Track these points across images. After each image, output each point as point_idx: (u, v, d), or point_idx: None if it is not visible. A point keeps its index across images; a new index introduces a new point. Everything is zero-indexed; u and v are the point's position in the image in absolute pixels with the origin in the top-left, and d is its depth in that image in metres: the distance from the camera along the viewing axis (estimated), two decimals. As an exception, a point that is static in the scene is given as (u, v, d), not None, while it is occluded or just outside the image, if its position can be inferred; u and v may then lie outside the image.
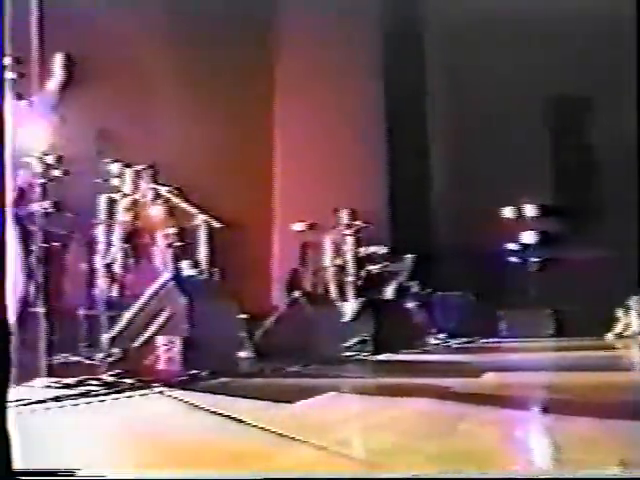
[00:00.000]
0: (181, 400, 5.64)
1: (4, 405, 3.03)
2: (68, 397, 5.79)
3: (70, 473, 3.35)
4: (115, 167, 8.66)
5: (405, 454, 3.94)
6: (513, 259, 11.70)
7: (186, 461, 3.78)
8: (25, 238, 6.92)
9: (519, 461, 3.97)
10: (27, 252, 6.89)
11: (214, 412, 5.05)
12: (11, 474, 3.04)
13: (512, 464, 3.86)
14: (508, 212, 11.63)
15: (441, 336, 11.39)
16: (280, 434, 4.30)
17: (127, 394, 6.07)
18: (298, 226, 10.42)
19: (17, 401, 5.29)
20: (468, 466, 3.65)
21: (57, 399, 5.68)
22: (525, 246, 11.77)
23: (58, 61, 8.09)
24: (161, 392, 6.10)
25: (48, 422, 5.05)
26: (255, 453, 3.95)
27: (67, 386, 6.21)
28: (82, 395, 5.92)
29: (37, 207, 6.79)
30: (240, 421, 4.71)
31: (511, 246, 11.71)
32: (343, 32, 10.94)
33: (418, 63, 12.09)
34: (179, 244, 8.65)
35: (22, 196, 7.03)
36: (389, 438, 4.36)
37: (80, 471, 3.39)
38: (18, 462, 3.49)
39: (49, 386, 6.21)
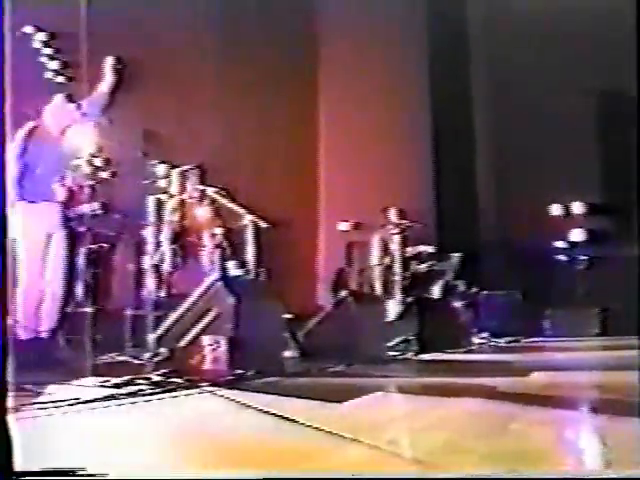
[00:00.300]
0: (232, 400, 5.66)
1: (4, 407, 3.05)
2: (118, 396, 5.82)
3: (71, 473, 3.36)
4: (162, 168, 8.74)
5: (458, 454, 3.93)
6: (560, 257, 11.57)
7: (240, 460, 3.81)
8: (73, 239, 7.01)
9: (571, 461, 3.94)
10: (75, 253, 6.98)
11: (265, 412, 5.07)
12: (12, 474, 3.06)
13: (565, 464, 3.83)
14: (555, 210, 11.49)
15: (486, 335, 11.30)
16: (332, 433, 4.31)
17: (176, 393, 6.10)
18: (344, 226, 10.42)
19: (64, 401, 5.34)
20: (522, 466, 3.63)
21: (107, 398, 5.71)
22: (572, 244, 11.63)
23: (109, 63, 8.17)
24: (211, 391, 6.12)
25: (97, 422, 5.09)
26: (308, 452, 3.96)
27: (116, 386, 6.24)
28: (131, 394, 5.95)
29: (86, 208, 6.88)
30: (291, 420, 4.72)
31: (558, 244, 11.57)
32: (388, 30, 10.89)
33: (464, 61, 12.00)
34: (226, 244, 8.70)
35: (72, 198, 7.12)
36: (440, 438, 4.34)
37: (81, 471, 3.40)
38: (64, 461, 3.52)
39: (99, 385, 6.25)
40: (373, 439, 4.19)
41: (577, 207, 11.54)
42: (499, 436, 4.39)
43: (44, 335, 7.03)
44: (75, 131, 7.32)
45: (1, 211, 3.06)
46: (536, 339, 11.30)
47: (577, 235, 11.56)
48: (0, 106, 3.10)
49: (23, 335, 6.98)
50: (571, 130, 11.40)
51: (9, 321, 6.96)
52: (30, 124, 7.31)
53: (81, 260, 6.89)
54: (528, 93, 11.37)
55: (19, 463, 3.43)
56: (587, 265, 11.52)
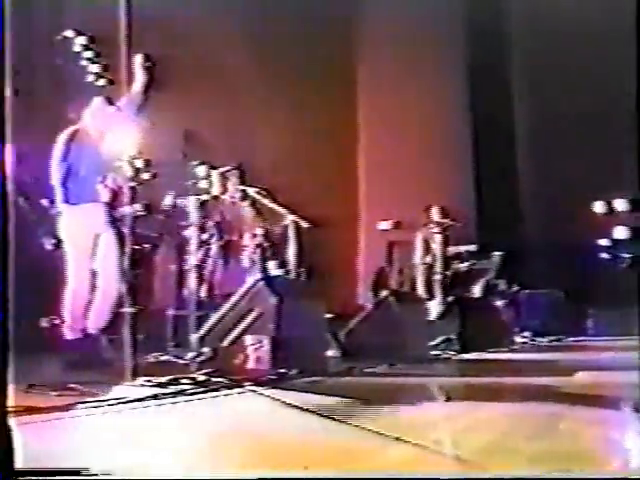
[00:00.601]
0: (275, 399, 5.66)
1: (5, 406, 3.07)
2: (161, 396, 5.84)
3: (75, 472, 3.37)
4: (202, 169, 8.79)
5: (506, 454, 3.89)
6: (603, 255, 11.44)
7: (286, 460, 3.80)
8: (119, 240, 7.07)
9: (624, 462, 3.88)
10: (121, 253, 7.03)
11: (309, 411, 5.06)
12: (13, 474, 3.08)
13: (619, 465, 3.78)
14: (598, 207, 11.37)
15: (528, 334, 11.23)
16: (378, 433, 4.29)
17: (220, 393, 6.12)
18: (384, 225, 10.39)
19: (105, 400, 5.38)
20: (574, 466, 3.58)
21: (150, 398, 5.73)
22: (616, 242, 11.48)
23: (138, 62, 8.15)
24: (254, 391, 6.13)
25: (139, 421, 5.11)
26: (356, 452, 3.94)
27: (160, 385, 6.27)
28: (175, 394, 5.97)
29: (129, 209, 6.93)
30: (335, 420, 4.71)
31: (601, 242, 11.44)
32: (427, 30, 10.85)
33: (504, 61, 11.94)
34: (267, 244, 8.73)
35: (115, 199, 7.18)
36: (487, 438, 4.30)
37: (86, 470, 3.41)
38: (102, 460, 3.54)
39: (142, 385, 6.27)
40: (418, 439, 4.16)
41: (620, 204, 11.39)
42: (548, 436, 4.34)
43: (89, 335, 7.09)
44: (116, 133, 7.36)
45: (1, 211, 3.08)
46: (579, 338, 11.20)
47: (620, 232, 11.42)
48: (0, 106, 3.11)
49: (69, 335, 7.05)
50: (613, 127, 11.26)
51: (55, 321, 7.07)
52: (72, 127, 7.38)
53: (125, 261, 6.94)
54: (570, 90, 11.26)
55: (75, 462, 3.45)
56: (630, 263, 11.37)
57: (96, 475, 3.35)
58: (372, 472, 3.63)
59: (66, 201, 7.17)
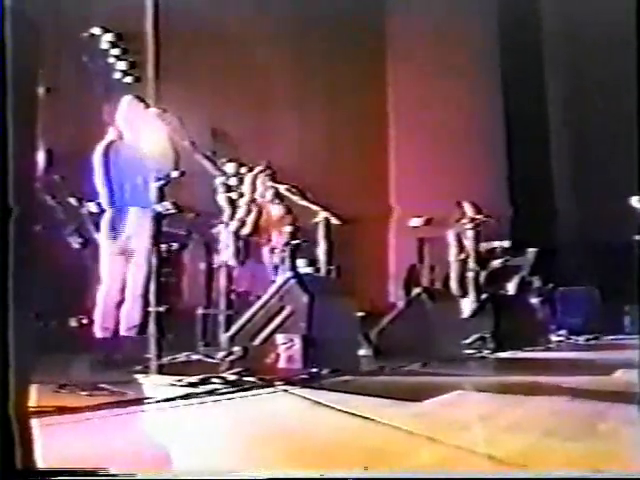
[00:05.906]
0: (308, 399, 5.60)
1: (7, 406, 3.02)
2: (193, 395, 5.80)
3: (73, 472, 3.31)
4: (231, 167, 8.73)
5: (547, 454, 3.79)
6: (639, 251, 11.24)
7: (320, 460, 3.73)
8: (150, 239, 7.04)
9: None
10: (151, 253, 7.01)
11: (342, 410, 4.99)
12: (14, 474, 3.03)
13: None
14: (635, 202, 11.17)
15: (564, 333, 11.09)
16: (413, 432, 4.21)
17: (251, 392, 6.07)
18: (415, 221, 10.26)
19: (138, 400, 5.35)
20: (617, 466, 3.47)
21: (182, 398, 5.70)
22: (653, 238, 11.29)
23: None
24: (285, 390, 6.08)
25: (170, 421, 5.07)
26: (390, 451, 3.87)
27: (191, 384, 6.23)
28: (207, 393, 5.94)
29: (159, 208, 6.90)
30: (368, 419, 4.63)
31: (638, 238, 11.25)
32: (460, 27, 10.75)
33: (536, 57, 11.82)
34: (297, 242, 8.66)
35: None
36: (525, 437, 4.21)
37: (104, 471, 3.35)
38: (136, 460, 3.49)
39: (173, 384, 6.25)
40: (453, 438, 4.07)
41: (659, 199, 11.17)
42: (589, 436, 4.23)
43: (120, 334, 7.06)
44: (146, 131, 7.33)
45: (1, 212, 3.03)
46: (616, 336, 11.03)
47: (659, 228, 11.20)
48: (1, 105, 3.07)
49: (99, 334, 7.03)
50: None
51: (84, 321, 7.05)
52: (109, 136, 7.36)
53: (156, 260, 6.91)
54: (604, 85, 11.09)
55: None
56: (668, 260, 11.15)
57: (116, 476, 3.32)
58: (405, 472, 3.55)
59: (98, 202, 7.16)
